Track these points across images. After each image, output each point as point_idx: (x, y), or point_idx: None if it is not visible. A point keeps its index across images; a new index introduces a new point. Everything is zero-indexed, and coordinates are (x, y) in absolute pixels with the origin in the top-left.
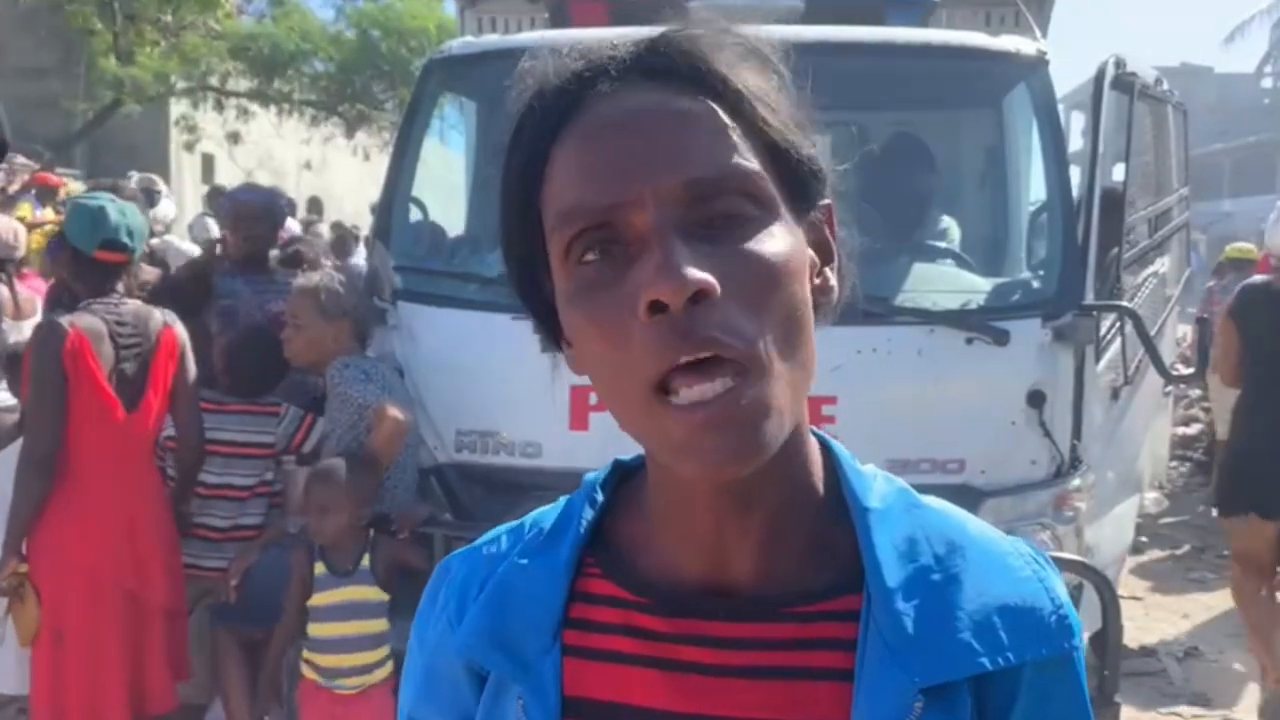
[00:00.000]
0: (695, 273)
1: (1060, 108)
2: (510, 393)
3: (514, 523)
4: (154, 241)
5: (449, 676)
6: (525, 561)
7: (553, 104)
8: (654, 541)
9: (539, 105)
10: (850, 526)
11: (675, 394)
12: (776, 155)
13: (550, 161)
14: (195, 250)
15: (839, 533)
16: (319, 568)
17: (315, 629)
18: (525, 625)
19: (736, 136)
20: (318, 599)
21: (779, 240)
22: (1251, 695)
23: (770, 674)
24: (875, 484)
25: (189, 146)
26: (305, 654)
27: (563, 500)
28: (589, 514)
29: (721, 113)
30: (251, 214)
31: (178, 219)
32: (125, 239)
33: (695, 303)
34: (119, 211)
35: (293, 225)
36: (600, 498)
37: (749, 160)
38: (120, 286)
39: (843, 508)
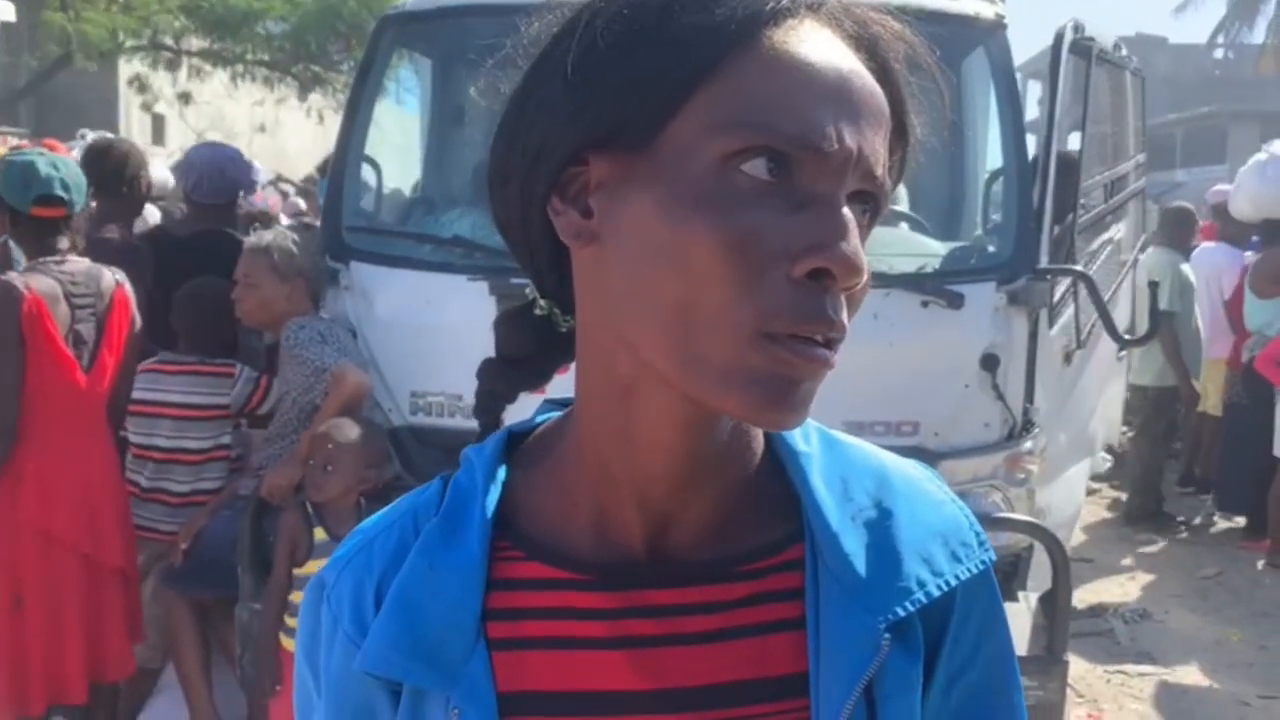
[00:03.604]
0: (864, 265)
1: (1018, 76)
2: (465, 354)
3: (379, 519)
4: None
5: (361, 703)
6: (426, 559)
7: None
8: (578, 512)
9: None
10: (780, 472)
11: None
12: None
13: (747, 54)
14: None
15: (772, 480)
16: (319, 533)
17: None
18: (443, 628)
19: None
20: (315, 566)
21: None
22: (1194, 654)
23: (727, 635)
24: None
25: (146, 107)
26: (289, 620)
27: (435, 482)
28: (494, 493)
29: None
30: None
31: None
32: (61, 192)
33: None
34: (50, 165)
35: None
36: (501, 473)
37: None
38: (63, 244)
39: (772, 454)
